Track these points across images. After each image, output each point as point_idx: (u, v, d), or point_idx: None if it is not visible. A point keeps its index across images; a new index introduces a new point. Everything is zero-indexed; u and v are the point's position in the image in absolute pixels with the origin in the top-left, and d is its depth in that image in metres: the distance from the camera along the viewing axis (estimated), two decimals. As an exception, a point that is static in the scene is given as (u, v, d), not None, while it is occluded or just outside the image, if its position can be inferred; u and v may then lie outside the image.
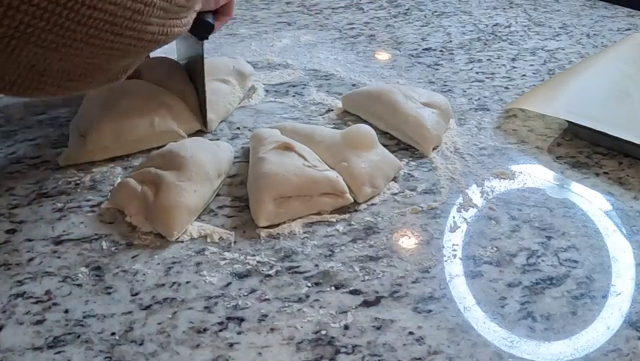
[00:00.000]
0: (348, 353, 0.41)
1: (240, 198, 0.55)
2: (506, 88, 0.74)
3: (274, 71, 0.77)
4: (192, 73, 0.66)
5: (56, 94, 0.44)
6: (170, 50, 0.67)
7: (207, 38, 0.61)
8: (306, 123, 0.65)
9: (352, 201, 0.53)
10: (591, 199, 0.56)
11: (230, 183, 0.57)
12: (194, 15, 0.50)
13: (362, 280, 0.46)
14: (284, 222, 0.51)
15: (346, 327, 0.43)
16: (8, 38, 0.37)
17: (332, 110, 0.69)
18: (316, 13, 0.95)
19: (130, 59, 0.46)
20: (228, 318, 0.43)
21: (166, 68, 0.68)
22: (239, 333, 0.42)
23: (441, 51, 0.83)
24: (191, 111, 0.63)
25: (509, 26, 0.92)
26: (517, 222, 0.52)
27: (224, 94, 0.67)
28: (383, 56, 0.82)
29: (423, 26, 0.92)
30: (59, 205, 0.53)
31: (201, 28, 0.59)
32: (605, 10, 0.99)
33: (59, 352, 0.41)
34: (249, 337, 0.42)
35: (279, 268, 0.47)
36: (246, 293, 0.45)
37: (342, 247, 0.49)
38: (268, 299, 0.45)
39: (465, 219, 0.53)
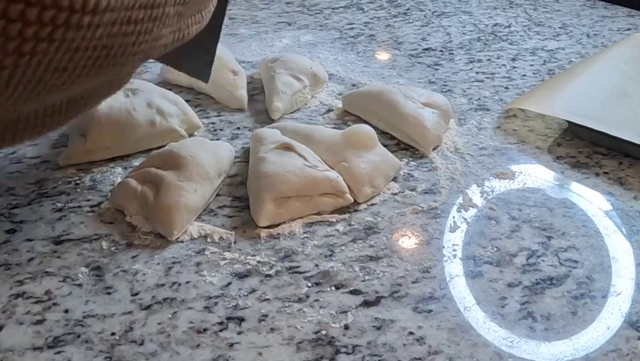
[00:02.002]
0: (348, 353, 0.41)
1: (240, 198, 0.55)
2: (506, 88, 0.74)
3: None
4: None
5: (59, 125, 0.38)
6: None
7: None
8: (306, 123, 0.65)
9: (352, 201, 0.53)
10: (591, 199, 0.56)
11: (230, 183, 0.57)
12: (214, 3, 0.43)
13: (362, 280, 0.46)
14: (284, 222, 0.51)
15: (346, 327, 0.43)
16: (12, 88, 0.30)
17: (332, 110, 0.69)
18: (316, 13, 0.95)
19: (138, 65, 0.40)
20: (228, 318, 0.43)
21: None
22: (239, 333, 0.42)
23: (441, 51, 0.83)
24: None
25: (509, 26, 0.92)
26: (517, 222, 0.52)
27: (294, 91, 0.68)
28: (383, 56, 0.82)
29: (423, 26, 0.92)
30: (59, 205, 0.53)
31: None
32: (605, 10, 0.99)
33: (59, 352, 0.41)
34: (249, 337, 0.42)
35: (279, 268, 0.47)
36: (246, 293, 0.45)
37: (342, 247, 0.49)
38: (268, 299, 0.45)
39: (465, 219, 0.53)
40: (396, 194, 0.55)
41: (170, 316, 0.43)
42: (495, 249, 0.50)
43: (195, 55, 0.52)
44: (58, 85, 0.32)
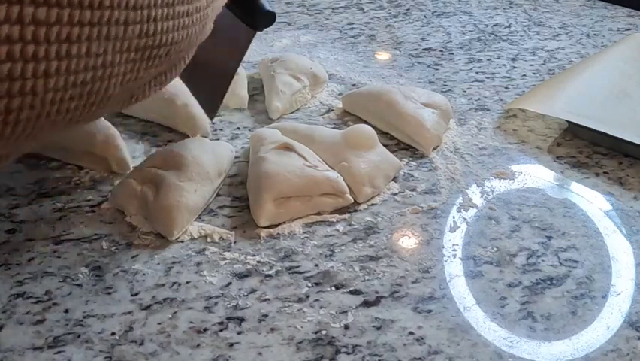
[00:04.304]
0: (348, 353, 0.41)
1: (240, 198, 0.55)
2: (506, 88, 0.74)
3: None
4: (220, 66, 0.54)
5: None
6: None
7: (262, 30, 0.51)
8: (306, 123, 0.65)
9: (352, 201, 0.53)
10: (591, 199, 0.56)
11: (230, 183, 0.57)
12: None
13: (362, 280, 0.46)
14: (284, 222, 0.51)
15: (346, 327, 0.43)
16: None
17: (332, 110, 0.69)
18: (316, 13, 0.95)
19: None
20: (228, 318, 0.43)
21: None
22: (239, 333, 0.42)
23: (441, 51, 0.83)
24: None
25: (509, 26, 0.92)
26: (517, 223, 0.52)
27: (294, 90, 0.68)
28: (383, 56, 0.82)
29: (423, 26, 0.92)
30: (59, 205, 0.53)
31: (261, 17, 0.48)
32: (605, 10, 0.99)
33: (59, 352, 0.41)
34: (249, 337, 0.42)
35: (279, 268, 0.47)
36: (246, 293, 0.45)
37: (342, 247, 0.49)
38: (268, 299, 0.45)
39: (465, 219, 0.53)
40: (396, 194, 0.55)
41: (170, 316, 0.43)
42: (495, 249, 0.50)
43: (209, 92, 0.57)
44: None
